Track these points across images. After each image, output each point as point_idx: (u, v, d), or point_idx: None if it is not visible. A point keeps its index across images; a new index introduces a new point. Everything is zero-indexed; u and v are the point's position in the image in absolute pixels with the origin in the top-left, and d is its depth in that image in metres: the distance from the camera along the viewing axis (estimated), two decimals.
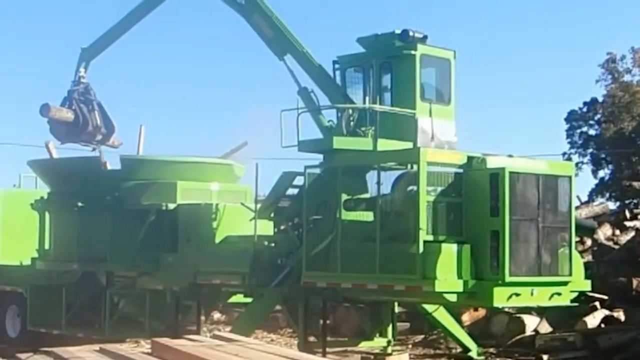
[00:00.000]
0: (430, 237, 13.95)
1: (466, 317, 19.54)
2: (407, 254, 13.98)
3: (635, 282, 19.34)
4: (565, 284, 14.66)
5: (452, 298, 14.10)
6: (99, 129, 20.66)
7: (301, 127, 15.89)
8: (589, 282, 15.57)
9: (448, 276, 13.80)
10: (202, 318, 18.40)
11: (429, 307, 16.94)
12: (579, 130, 48.76)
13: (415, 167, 14.43)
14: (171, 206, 18.11)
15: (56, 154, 21.50)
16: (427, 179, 14.05)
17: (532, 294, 14.18)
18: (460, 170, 14.48)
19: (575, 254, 14.98)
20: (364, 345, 17.21)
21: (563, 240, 14.59)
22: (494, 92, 66.78)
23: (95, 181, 18.97)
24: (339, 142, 15.69)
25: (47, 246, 20.31)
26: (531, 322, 19.03)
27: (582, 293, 15.98)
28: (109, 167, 19.97)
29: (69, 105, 20.54)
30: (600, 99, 47.93)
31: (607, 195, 45.47)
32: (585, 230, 19.53)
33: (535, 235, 14.15)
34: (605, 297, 19.08)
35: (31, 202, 20.64)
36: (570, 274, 14.60)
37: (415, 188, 14.17)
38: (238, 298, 17.92)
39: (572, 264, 14.61)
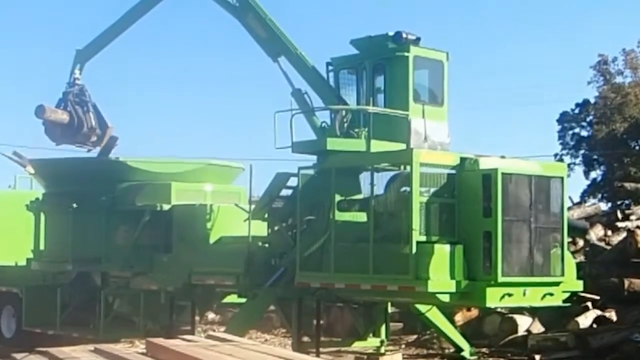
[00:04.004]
0: (423, 238, 13.97)
1: (459, 317, 19.59)
2: (400, 254, 14.00)
3: (627, 283, 19.37)
4: (557, 284, 14.70)
5: (445, 298, 14.14)
6: (94, 130, 20.67)
7: (295, 128, 16.00)
8: (581, 282, 15.61)
9: (441, 276, 13.84)
10: (197, 318, 18.41)
11: (422, 308, 16.96)
12: (571, 132, 48.82)
13: (408, 168, 14.49)
14: (165, 207, 18.17)
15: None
16: (420, 179, 14.08)
17: (524, 294, 14.21)
18: (453, 171, 14.51)
19: (567, 254, 15.01)
20: (358, 345, 17.22)
21: (555, 240, 14.61)
22: (486, 94, 67.02)
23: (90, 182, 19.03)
24: (332, 144, 15.78)
25: (42, 247, 20.37)
26: (523, 322, 19.07)
27: (574, 293, 16.02)
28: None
29: (64, 106, 20.57)
30: (592, 101, 48.01)
31: (599, 196, 45.55)
32: (577, 231, 19.58)
33: (527, 236, 14.17)
34: (597, 298, 19.13)
35: (26, 203, 20.69)
36: (563, 275, 14.64)
37: (408, 189, 14.19)
38: (232, 298, 17.98)
39: (565, 265, 14.65)
